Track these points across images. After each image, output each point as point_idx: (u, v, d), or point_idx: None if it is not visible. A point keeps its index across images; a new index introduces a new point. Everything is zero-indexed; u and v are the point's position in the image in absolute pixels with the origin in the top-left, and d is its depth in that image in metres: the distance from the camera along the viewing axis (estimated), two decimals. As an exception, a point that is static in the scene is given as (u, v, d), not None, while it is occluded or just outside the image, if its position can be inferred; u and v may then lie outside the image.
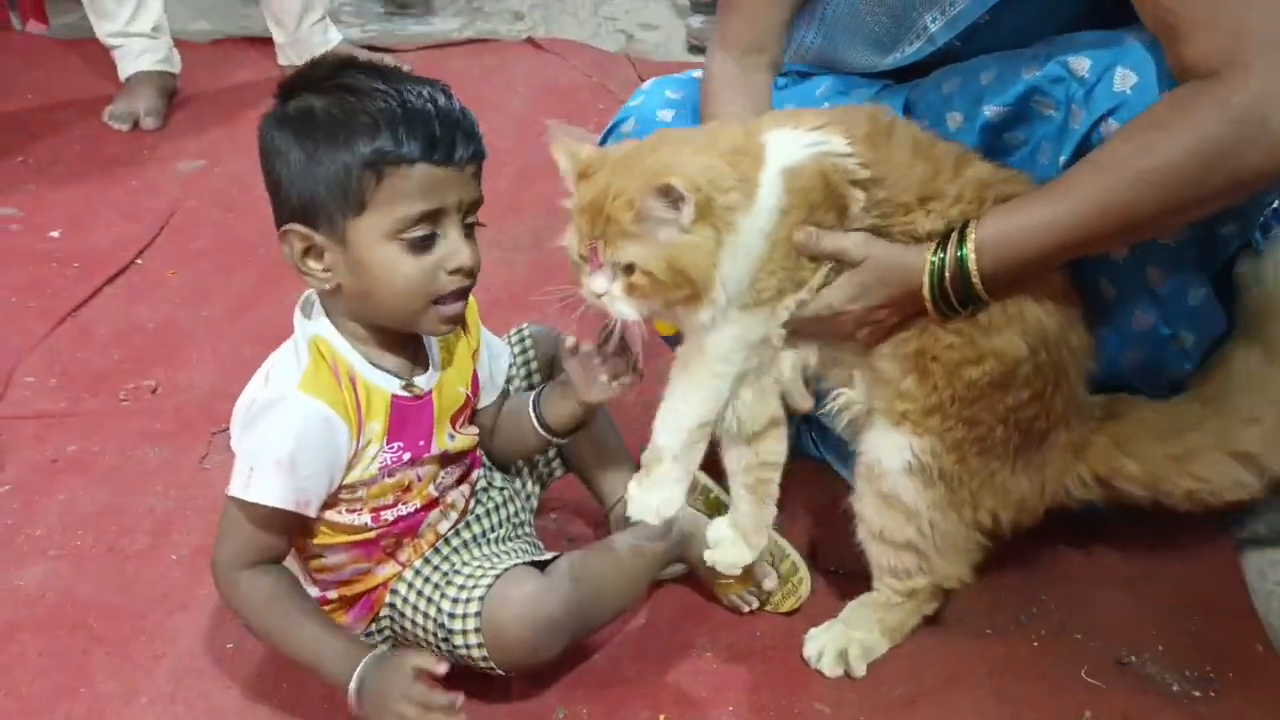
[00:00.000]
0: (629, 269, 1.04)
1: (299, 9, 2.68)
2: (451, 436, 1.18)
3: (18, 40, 2.96)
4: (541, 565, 1.19)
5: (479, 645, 1.13)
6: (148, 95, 2.54)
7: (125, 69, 2.57)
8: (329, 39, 2.75)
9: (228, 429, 1.57)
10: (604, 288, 1.06)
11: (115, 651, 1.25)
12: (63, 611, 1.30)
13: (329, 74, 1.08)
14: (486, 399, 1.25)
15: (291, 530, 1.13)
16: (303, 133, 1.05)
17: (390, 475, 1.13)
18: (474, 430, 1.22)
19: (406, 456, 1.14)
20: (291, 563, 1.18)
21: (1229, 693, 1.18)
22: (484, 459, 1.28)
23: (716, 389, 1.12)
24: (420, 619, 1.17)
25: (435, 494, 1.18)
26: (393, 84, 1.05)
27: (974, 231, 1.07)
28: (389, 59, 2.80)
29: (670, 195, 1.00)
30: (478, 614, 1.13)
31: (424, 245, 1.06)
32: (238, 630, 1.27)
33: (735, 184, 1.03)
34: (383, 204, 1.04)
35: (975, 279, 1.07)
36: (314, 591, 1.20)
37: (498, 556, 1.20)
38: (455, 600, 1.14)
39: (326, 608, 1.20)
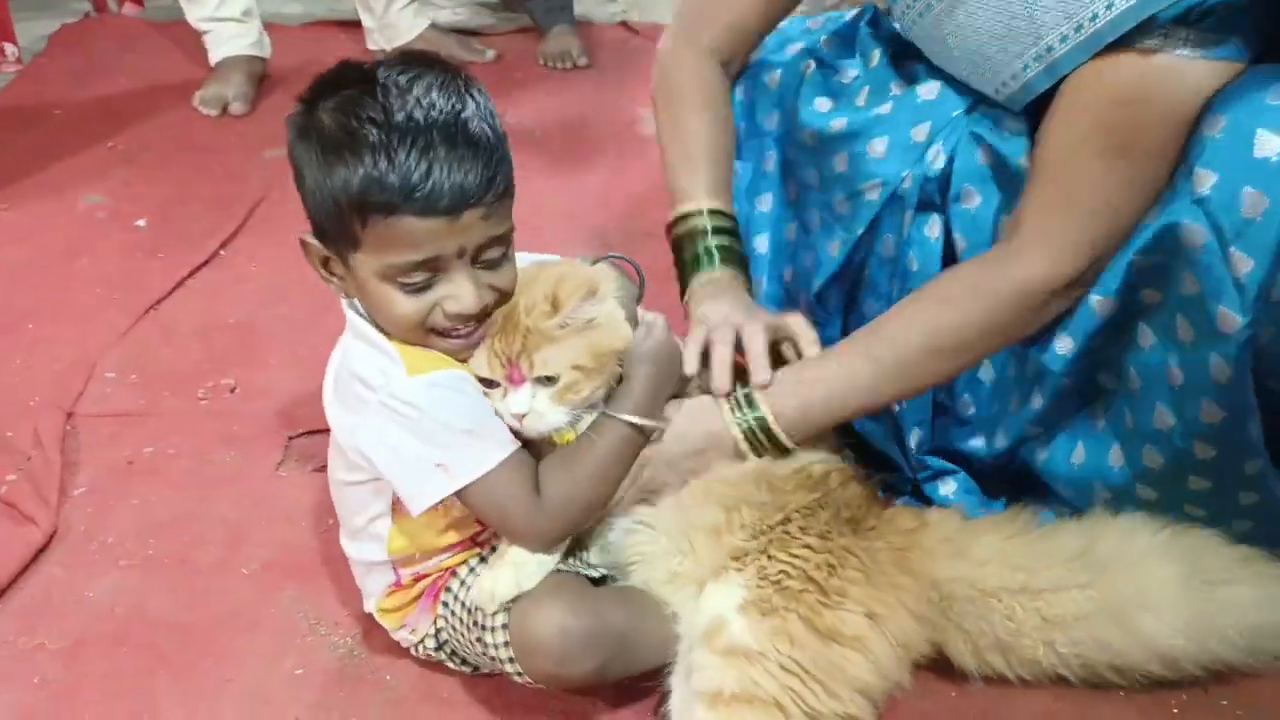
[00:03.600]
0: (552, 377, 1.03)
1: (388, -8, 2.63)
2: None
3: (114, 24, 2.97)
4: (597, 584, 1.12)
5: (505, 645, 1.06)
6: (236, 81, 2.51)
7: (215, 54, 2.55)
8: (418, 23, 2.70)
9: (305, 434, 1.56)
10: (526, 405, 1.03)
11: (182, 674, 1.20)
12: (131, 628, 1.26)
13: (342, 85, 0.99)
14: None
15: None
16: (310, 150, 0.99)
17: None
18: None
19: None
20: (368, 544, 1.13)
21: None
22: None
23: None
24: (464, 615, 1.10)
25: None
26: (397, 112, 0.95)
27: (764, 400, 1.10)
28: (475, 43, 2.78)
29: (594, 294, 1.03)
30: (507, 610, 1.06)
31: (422, 288, 0.99)
32: (305, 654, 1.22)
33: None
34: (373, 247, 0.98)
35: (783, 438, 1.11)
36: (389, 577, 1.15)
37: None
38: None
39: (399, 592, 1.15)
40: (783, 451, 1.11)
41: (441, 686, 1.18)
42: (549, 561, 1.07)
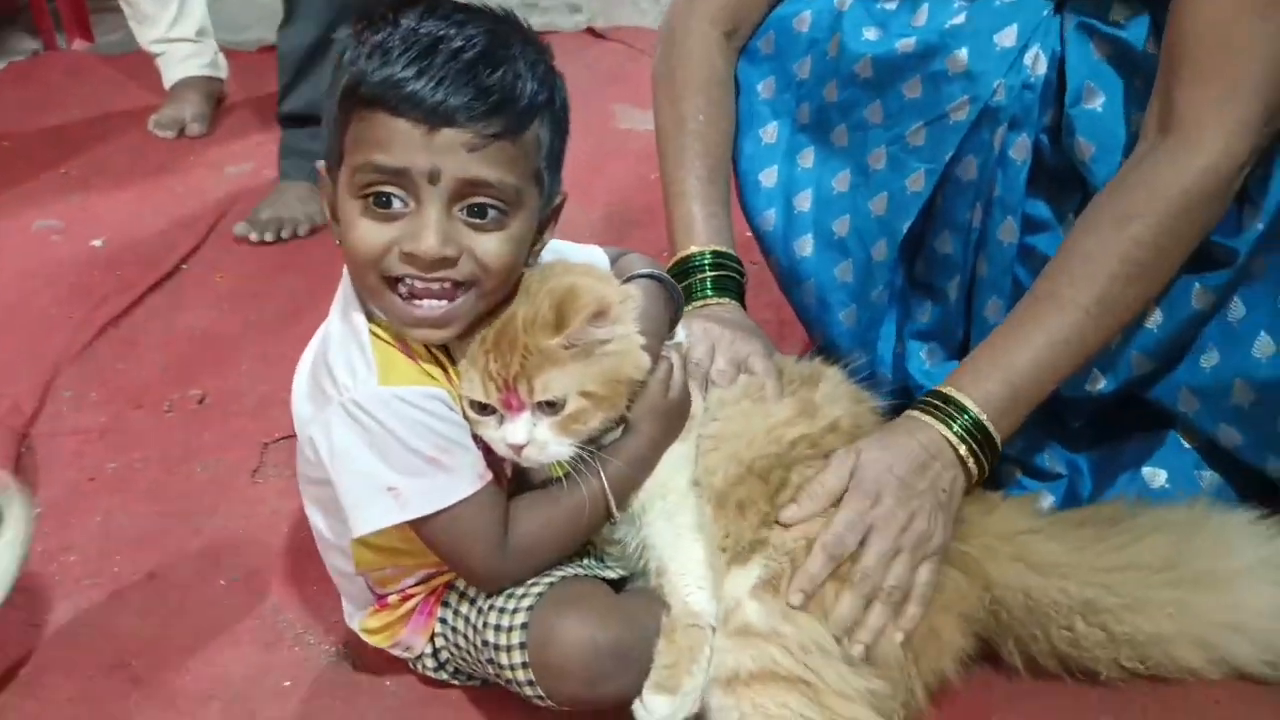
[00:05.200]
0: (554, 404, 0.91)
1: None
2: None
3: (63, 59, 2.87)
4: (613, 585, 1.00)
5: (523, 666, 0.93)
6: (194, 101, 2.41)
7: (170, 76, 2.46)
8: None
9: (281, 440, 1.44)
10: (526, 435, 0.91)
11: (156, 693, 1.08)
12: (98, 649, 1.13)
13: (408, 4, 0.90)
14: None
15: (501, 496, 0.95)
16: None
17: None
18: None
19: None
20: (334, 555, 1.02)
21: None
22: None
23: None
24: (469, 632, 0.98)
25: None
26: (424, 29, 0.87)
27: (963, 393, 0.99)
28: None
29: (605, 316, 0.91)
30: (524, 626, 0.93)
31: (384, 210, 0.87)
32: (294, 665, 1.10)
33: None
34: (349, 150, 0.89)
35: (996, 436, 1.00)
36: (369, 595, 1.03)
37: (557, 564, 0.99)
38: (501, 610, 0.95)
39: (383, 611, 1.03)
40: (995, 458, 0.99)
41: (451, 689, 1.06)
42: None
